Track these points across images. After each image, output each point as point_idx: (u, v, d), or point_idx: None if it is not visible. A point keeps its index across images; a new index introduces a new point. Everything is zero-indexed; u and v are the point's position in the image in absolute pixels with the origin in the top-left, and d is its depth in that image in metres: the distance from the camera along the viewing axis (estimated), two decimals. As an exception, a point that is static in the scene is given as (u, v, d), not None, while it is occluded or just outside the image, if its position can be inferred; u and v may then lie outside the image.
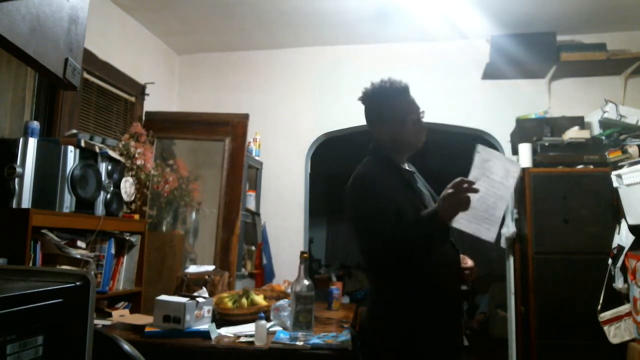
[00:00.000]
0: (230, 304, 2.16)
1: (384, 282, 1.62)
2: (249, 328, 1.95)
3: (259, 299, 2.23)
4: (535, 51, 3.38)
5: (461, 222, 1.47)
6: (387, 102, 1.69)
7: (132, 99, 3.47)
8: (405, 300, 1.55)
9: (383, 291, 1.63)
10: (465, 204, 1.41)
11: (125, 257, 2.65)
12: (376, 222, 1.50)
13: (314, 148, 4.00)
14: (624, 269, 2.70)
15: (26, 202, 2.03)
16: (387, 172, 1.63)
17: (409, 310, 1.54)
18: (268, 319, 2.01)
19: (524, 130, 3.30)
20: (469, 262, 1.68)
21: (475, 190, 1.42)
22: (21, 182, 2.03)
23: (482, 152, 1.52)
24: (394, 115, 1.67)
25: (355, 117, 3.86)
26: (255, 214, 3.70)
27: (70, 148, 2.27)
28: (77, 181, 2.28)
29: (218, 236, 3.34)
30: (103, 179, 2.48)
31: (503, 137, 3.59)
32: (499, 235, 1.56)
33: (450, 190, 1.42)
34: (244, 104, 3.85)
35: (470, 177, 1.46)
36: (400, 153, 1.72)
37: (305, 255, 1.88)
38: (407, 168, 1.76)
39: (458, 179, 1.43)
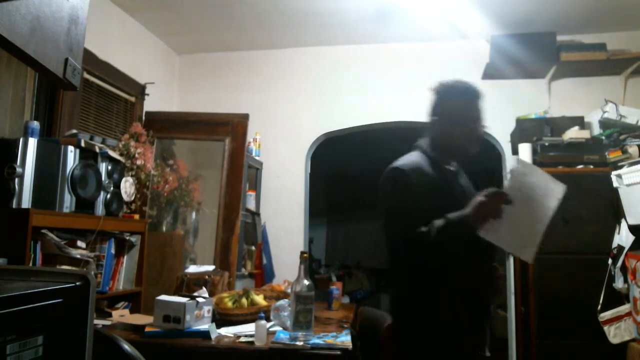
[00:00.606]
0: (230, 304, 2.16)
1: (404, 277, 1.62)
2: (249, 328, 1.95)
3: (259, 299, 2.23)
4: (535, 51, 3.38)
5: (495, 236, 1.43)
6: (458, 102, 1.66)
7: (132, 99, 3.47)
8: (420, 299, 1.56)
9: (402, 286, 1.63)
10: (494, 214, 1.39)
11: (125, 257, 2.65)
12: (402, 219, 1.50)
13: (314, 148, 4.00)
14: (624, 269, 2.70)
15: (26, 202, 2.03)
16: (427, 170, 1.60)
17: (422, 309, 1.54)
18: (268, 319, 2.01)
19: (524, 130, 3.30)
20: (498, 272, 1.66)
21: (508, 202, 1.40)
22: (21, 182, 2.03)
23: (520, 166, 1.48)
24: (459, 118, 1.65)
25: (355, 117, 3.90)
26: (255, 214, 3.70)
27: (70, 148, 2.27)
28: (77, 181, 2.28)
29: (218, 236, 3.34)
30: (103, 179, 2.48)
31: (503, 137, 3.59)
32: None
33: (481, 198, 1.40)
34: (244, 104, 3.85)
35: (505, 189, 1.43)
36: (448, 154, 1.70)
37: (305, 255, 1.88)
38: (451, 168, 1.73)
39: (491, 189, 1.41)
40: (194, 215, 3.51)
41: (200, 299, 1.95)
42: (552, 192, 1.48)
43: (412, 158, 1.66)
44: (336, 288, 2.77)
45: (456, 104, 1.66)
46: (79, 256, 2.21)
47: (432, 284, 1.54)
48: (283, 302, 2.08)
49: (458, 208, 1.48)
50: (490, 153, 3.95)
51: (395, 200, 1.56)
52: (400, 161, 1.64)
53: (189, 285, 2.38)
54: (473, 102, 1.67)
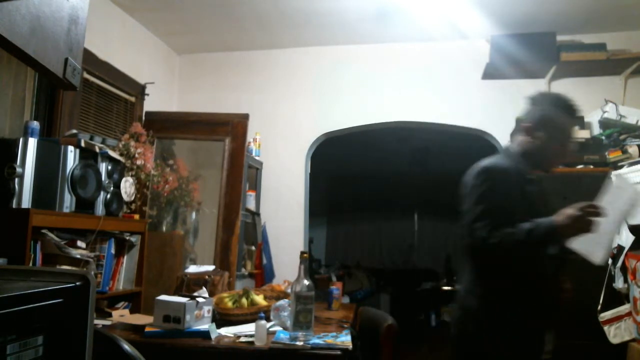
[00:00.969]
0: (230, 304, 2.16)
1: (482, 275, 1.63)
2: (249, 328, 1.96)
3: (259, 299, 2.23)
4: (535, 51, 3.38)
5: (579, 244, 1.46)
6: (560, 118, 1.67)
7: (132, 99, 3.48)
8: (494, 299, 1.57)
9: (477, 284, 1.63)
10: (588, 228, 1.41)
11: (125, 257, 2.65)
12: (489, 218, 1.50)
13: (314, 148, 4.00)
14: (624, 269, 2.70)
15: (26, 202, 2.03)
16: (513, 174, 1.63)
17: (494, 310, 1.56)
18: (268, 319, 2.01)
19: (524, 130, 3.30)
20: (567, 284, 1.68)
21: (601, 216, 1.42)
22: (21, 182, 2.03)
23: (617, 180, 1.53)
24: (559, 134, 1.66)
25: (355, 117, 3.90)
26: (255, 214, 3.70)
27: (70, 148, 2.27)
28: (77, 181, 2.28)
29: (218, 236, 3.34)
30: (103, 179, 2.48)
31: (503, 137, 3.59)
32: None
33: (576, 213, 1.41)
34: (244, 104, 3.85)
35: (601, 203, 1.46)
36: (535, 164, 1.71)
37: (305, 255, 1.88)
38: (532, 177, 1.74)
39: (587, 204, 1.43)
40: (194, 215, 3.51)
41: (200, 299, 1.95)
42: (631, 198, 1.52)
43: (498, 160, 1.68)
44: (336, 288, 2.77)
45: (558, 119, 1.67)
46: (79, 256, 2.21)
47: (509, 285, 1.56)
48: (283, 302, 2.08)
49: (538, 216, 1.50)
50: (490, 153, 3.95)
51: (484, 199, 1.56)
52: (488, 162, 1.66)
53: (189, 285, 2.38)
54: (574, 120, 1.70)
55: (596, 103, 3.34)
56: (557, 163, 1.73)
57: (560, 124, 1.66)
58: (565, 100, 1.68)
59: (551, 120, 1.66)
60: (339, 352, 1.70)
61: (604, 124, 3.16)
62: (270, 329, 1.94)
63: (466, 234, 1.57)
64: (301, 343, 1.74)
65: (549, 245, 1.50)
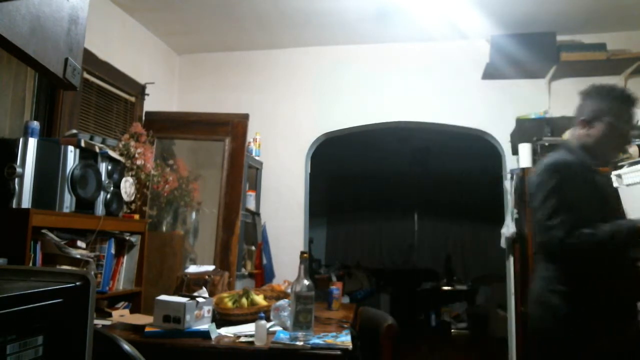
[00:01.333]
0: (230, 304, 2.16)
1: (560, 273, 1.61)
2: (249, 328, 1.96)
3: (259, 299, 2.23)
4: (535, 51, 3.38)
5: None
6: (623, 110, 1.68)
7: (132, 99, 3.48)
8: (572, 297, 1.56)
9: (557, 282, 1.62)
10: None
11: (125, 257, 2.65)
12: (565, 216, 1.50)
13: (314, 148, 4.00)
14: (624, 269, 2.69)
15: (26, 202, 2.03)
16: (579, 169, 1.63)
17: (572, 308, 1.56)
18: (268, 319, 2.01)
19: (524, 130, 3.30)
20: None
21: None
22: (21, 182, 2.03)
23: None
24: (616, 124, 1.67)
25: (355, 117, 3.90)
26: (255, 214, 3.70)
27: (70, 148, 2.27)
28: (77, 181, 2.28)
29: (218, 236, 3.34)
30: (103, 179, 2.48)
31: (503, 137, 3.59)
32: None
33: None
34: (244, 104, 3.85)
35: None
36: (597, 156, 1.72)
37: (305, 255, 1.88)
38: (595, 168, 1.75)
39: None
40: (194, 215, 3.51)
41: (200, 299, 1.95)
42: None
43: (561, 155, 1.68)
44: (336, 288, 2.77)
45: (613, 110, 1.67)
46: (79, 256, 2.21)
47: (588, 285, 1.56)
48: (283, 302, 2.08)
49: (610, 210, 1.53)
50: (490, 153, 3.95)
51: (553, 195, 1.55)
52: (551, 158, 1.66)
53: (189, 285, 2.38)
54: (630, 110, 1.71)
55: (596, 103, 3.34)
56: (617, 154, 1.73)
57: (616, 115, 1.67)
58: (620, 90, 1.69)
59: (606, 111, 1.67)
60: (339, 352, 1.70)
61: (604, 124, 3.16)
62: (270, 329, 1.94)
63: (539, 231, 1.56)
64: (301, 343, 1.74)
65: (631, 248, 1.51)
